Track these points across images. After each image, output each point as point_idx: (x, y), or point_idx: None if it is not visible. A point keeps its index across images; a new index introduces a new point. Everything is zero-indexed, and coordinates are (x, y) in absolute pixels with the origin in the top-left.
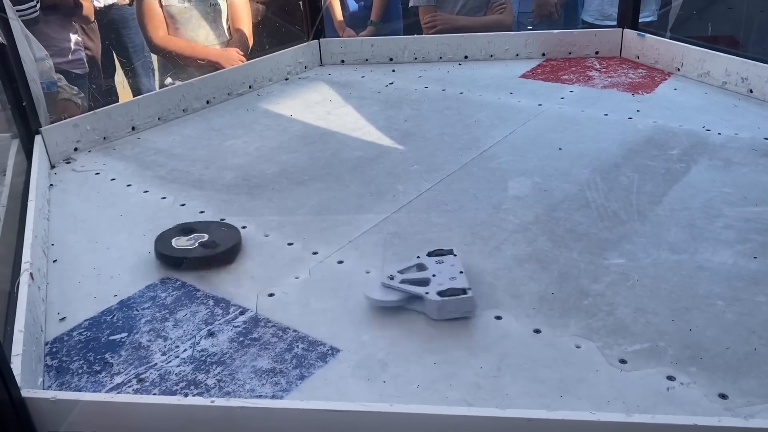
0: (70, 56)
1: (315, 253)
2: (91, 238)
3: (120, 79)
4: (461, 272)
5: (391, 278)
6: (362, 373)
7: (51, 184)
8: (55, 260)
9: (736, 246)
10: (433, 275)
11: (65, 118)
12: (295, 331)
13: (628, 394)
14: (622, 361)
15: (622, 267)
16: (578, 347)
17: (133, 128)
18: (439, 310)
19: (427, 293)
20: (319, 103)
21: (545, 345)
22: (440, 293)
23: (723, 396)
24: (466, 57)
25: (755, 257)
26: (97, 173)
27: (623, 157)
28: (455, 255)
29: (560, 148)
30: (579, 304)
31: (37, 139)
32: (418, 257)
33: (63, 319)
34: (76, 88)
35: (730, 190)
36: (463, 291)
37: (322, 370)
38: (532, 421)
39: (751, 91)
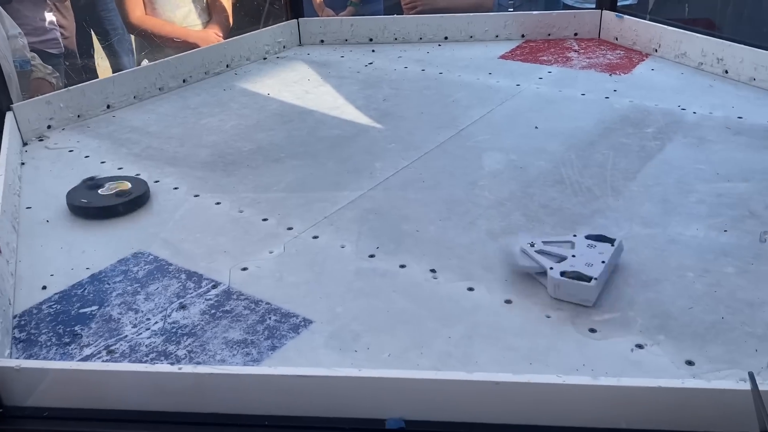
0: (44, 35)
1: (290, 228)
2: (62, 214)
3: (102, 62)
4: (603, 262)
5: (532, 245)
6: (334, 344)
7: (23, 162)
8: (26, 235)
9: (708, 220)
10: (573, 255)
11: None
12: (267, 303)
13: (596, 362)
14: (592, 330)
15: None
16: (548, 317)
17: (108, 106)
18: (555, 289)
19: (551, 268)
20: (297, 83)
21: (516, 315)
22: (563, 273)
23: (690, 362)
24: (446, 38)
25: (725, 230)
26: (71, 151)
27: (599, 135)
28: (613, 245)
29: (536, 127)
30: None
31: (9, 116)
32: (575, 235)
33: (44, 287)
34: (50, 67)
35: (703, 167)
36: (589, 279)
37: (294, 341)
38: (500, 385)
39: (727, 72)
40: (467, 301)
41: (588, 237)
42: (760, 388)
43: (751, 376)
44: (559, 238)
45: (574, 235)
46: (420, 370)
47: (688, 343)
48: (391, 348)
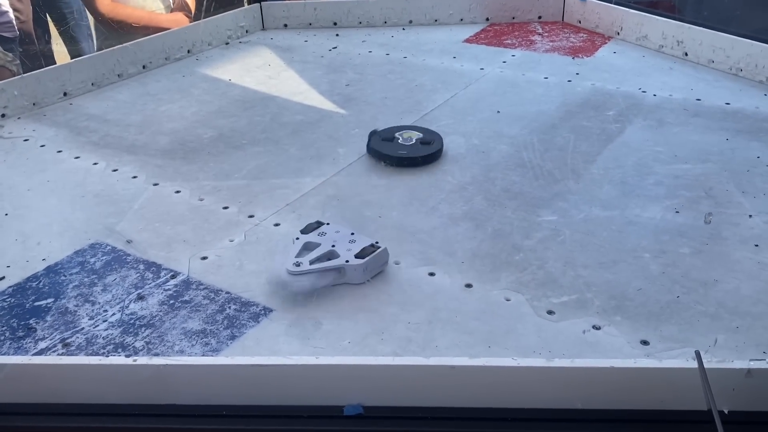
0: None
1: (251, 216)
2: (17, 204)
3: (59, 47)
4: (352, 233)
5: (298, 265)
6: (295, 332)
7: None
8: None
9: (665, 201)
10: (333, 246)
11: None
12: (227, 292)
13: (554, 344)
14: (550, 312)
15: (554, 223)
16: (508, 300)
17: (65, 94)
18: (365, 272)
19: (347, 261)
20: (259, 68)
21: (476, 299)
22: (358, 256)
23: (645, 342)
24: (410, 21)
25: (677, 211)
26: (26, 140)
27: (560, 118)
28: (328, 223)
29: (498, 111)
30: (510, 260)
31: None
32: (297, 238)
33: (3, 277)
34: (10, 54)
35: (662, 149)
36: (372, 246)
37: (254, 330)
38: (455, 368)
39: (686, 54)
40: (428, 286)
41: (304, 232)
42: (706, 366)
43: (698, 354)
44: (294, 249)
45: (297, 238)
46: (378, 356)
47: (643, 323)
48: (352, 335)
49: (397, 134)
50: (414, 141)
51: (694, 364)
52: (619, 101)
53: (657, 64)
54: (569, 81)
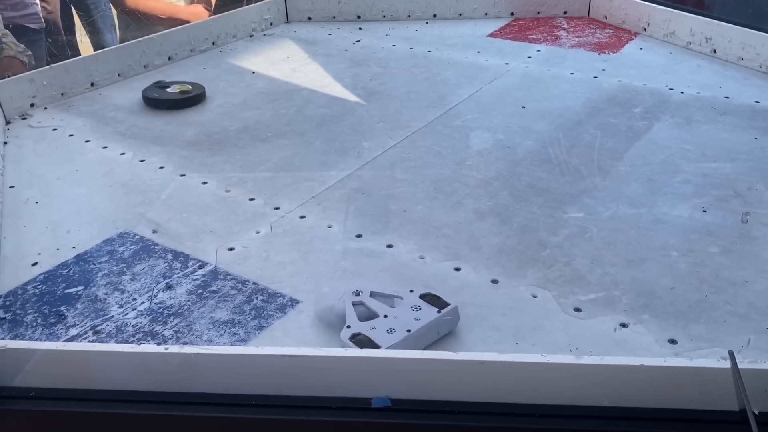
0: (24, 10)
1: (277, 208)
2: (47, 193)
3: (84, 39)
4: (408, 330)
5: (357, 293)
6: (322, 324)
7: (5, 141)
8: (9, 214)
9: (693, 200)
10: (385, 315)
11: (8, 77)
12: (254, 283)
13: (581, 341)
14: (577, 310)
15: (581, 220)
16: (534, 296)
17: (92, 84)
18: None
19: (348, 326)
20: (284, 61)
21: (502, 295)
22: (353, 336)
23: (673, 341)
24: (434, 15)
25: (704, 210)
26: (55, 129)
27: (587, 114)
28: (440, 312)
29: (524, 107)
30: (537, 256)
31: None
32: (411, 291)
33: (35, 264)
34: (22, 45)
35: (690, 147)
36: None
37: (281, 321)
38: (484, 364)
39: (715, 51)
40: (454, 281)
41: (422, 296)
42: (740, 366)
43: (731, 354)
44: (388, 290)
45: (411, 291)
46: (406, 350)
47: (672, 322)
48: None
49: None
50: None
51: (726, 364)
52: (646, 98)
53: (685, 61)
54: (595, 77)
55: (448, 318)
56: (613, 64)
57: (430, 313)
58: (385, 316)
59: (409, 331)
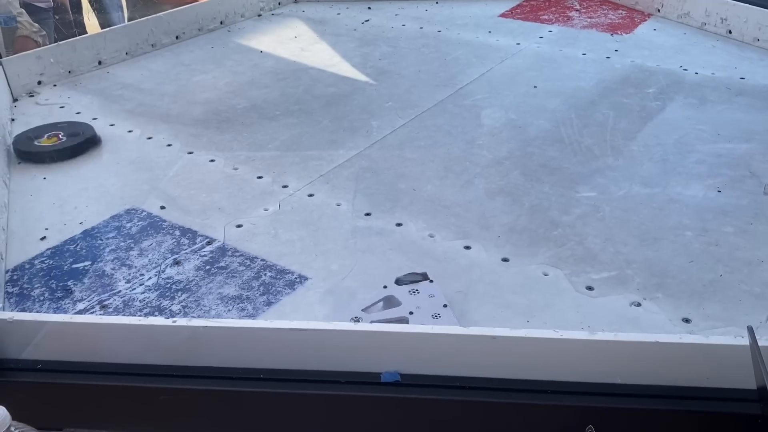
0: None
1: (285, 186)
2: (54, 170)
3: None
4: (445, 305)
5: (357, 320)
6: (330, 300)
7: (13, 118)
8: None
9: (707, 180)
10: (411, 313)
11: None
12: (263, 260)
13: (593, 319)
14: (589, 288)
15: (594, 200)
16: (546, 275)
17: (99, 62)
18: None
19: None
20: (292, 40)
21: (513, 273)
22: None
23: (686, 320)
24: None
25: (719, 190)
26: (62, 107)
27: (599, 95)
28: (431, 281)
29: (535, 86)
30: (548, 235)
31: None
32: (386, 287)
33: (43, 238)
34: (37, 25)
35: (704, 127)
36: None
37: (290, 297)
38: (496, 339)
39: (730, 32)
40: (464, 259)
41: (399, 282)
42: (760, 343)
43: (750, 330)
44: (372, 298)
45: (385, 287)
46: (416, 324)
47: (685, 300)
48: None
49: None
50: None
51: (743, 341)
52: (660, 79)
53: (699, 41)
54: (608, 58)
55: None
56: (626, 44)
57: (427, 285)
58: (411, 313)
59: (445, 306)
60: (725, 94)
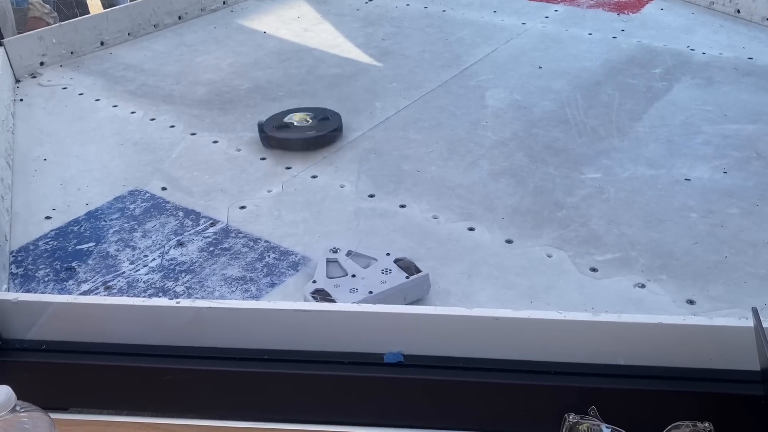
0: None
1: (288, 168)
2: (57, 151)
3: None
4: (370, 292)
5: (335, 251)
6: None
7: (14, 99)
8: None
9: (713, 161)
10: (353, 275)
11: None
12: (266, 241)
13: (597, 300)
14: (593, 270)
15: (598, 181)
16: (549, 256)
17: (102, 43)
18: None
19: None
20: (295, 20)
21: (516, 255)
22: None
23: (691, 302)
24: None
25: (725, 171)
26: (65, 88)
27: (605, 75)
28: (408, 278)
29: (540, 67)
30: (553, 216)
31: (0, 51)
32: (388, 254)
33: (48, 217)
34: (48, 6)
35: (711, 108)
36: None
37: (294, 278)
38: (499, 320)
39: (739, 11)
40: (467, 241)
41: (397, 261)
42: (764, 324)
43: (755, 312)
44: (367, 252)
45: (387, 254)
46: (419, 305)
47: (690, 282)
48: None
49: (286, 119)
50: (310, 121)
51: (747, 323)
52: (666, 59)
53: (707, 21)
54: (614, 37)
55: (416, 285)
56: (632, 24)
57: (398, 277)
58: (353, 276)
59: (371, 292)
60: (732, 75)
